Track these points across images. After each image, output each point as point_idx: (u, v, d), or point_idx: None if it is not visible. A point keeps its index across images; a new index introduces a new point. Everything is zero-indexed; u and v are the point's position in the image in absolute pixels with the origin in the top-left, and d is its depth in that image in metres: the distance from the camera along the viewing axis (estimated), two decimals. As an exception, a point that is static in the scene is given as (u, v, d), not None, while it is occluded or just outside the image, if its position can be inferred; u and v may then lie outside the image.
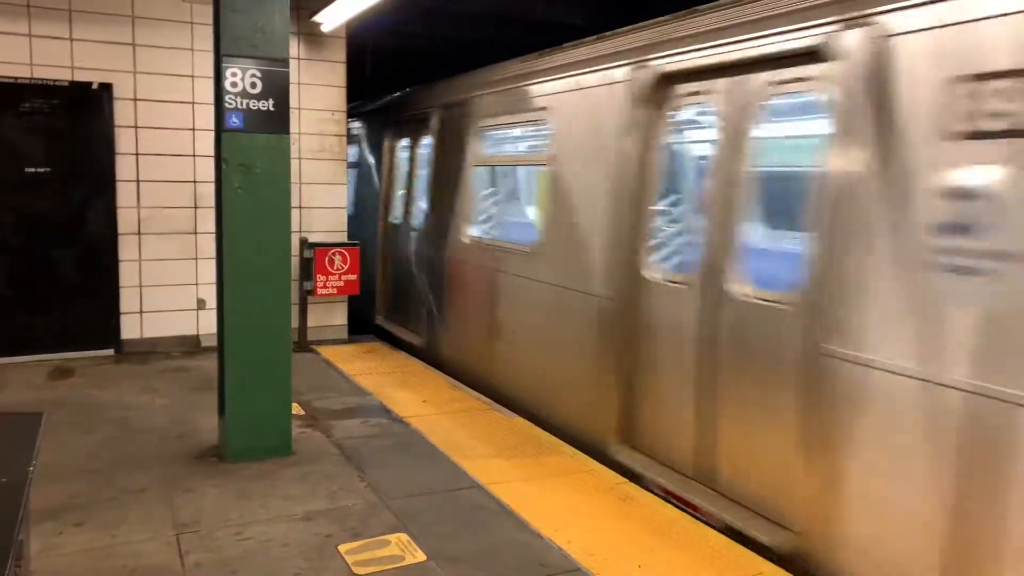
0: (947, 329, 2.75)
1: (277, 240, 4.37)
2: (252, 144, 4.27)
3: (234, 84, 4.24)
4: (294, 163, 6.07)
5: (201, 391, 5.56)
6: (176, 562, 3.22)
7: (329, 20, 6.91)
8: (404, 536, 3.46)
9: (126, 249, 6.64)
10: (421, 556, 3.28)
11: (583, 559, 3.31)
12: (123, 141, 6.58)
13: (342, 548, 3.34)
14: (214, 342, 6.42)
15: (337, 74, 7.42)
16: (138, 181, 6.65)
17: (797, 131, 4.79)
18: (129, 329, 6.70)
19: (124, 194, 6.61)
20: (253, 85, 4.29)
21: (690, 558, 3.37)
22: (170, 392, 5.62)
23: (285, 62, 4.35)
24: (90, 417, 5.01)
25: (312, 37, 7.26)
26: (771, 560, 3.37)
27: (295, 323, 6.81)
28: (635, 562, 3.32)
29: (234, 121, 4.26)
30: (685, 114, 4.37)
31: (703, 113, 4.32)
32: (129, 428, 4.83)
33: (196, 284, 6.88)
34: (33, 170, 6.36)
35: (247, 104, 4.27)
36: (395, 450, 4.57)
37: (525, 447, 4.67)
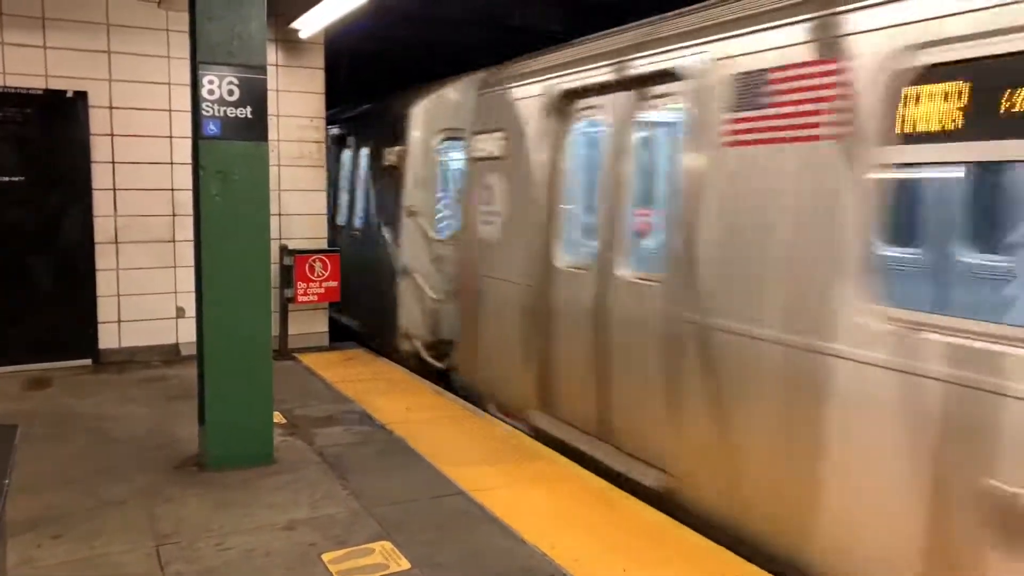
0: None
1: (256, 247, 4.34)
2: (230, 151, 4.25)
3: (211, 91, 4.22)
4: (273, 170, 6.04)
5: (180, 400, 5.51)
6: (157, 573, 3.18)
7: (307, 27, 6.90)
8: (388, 544, 3.44)
9: (103, 258, 6.57)
10: (405, 564, 3.27)
11: (568, 564, 3.32)
12: (99, 149, 6.52)
13: (325, 557, 3.32)
14: (194, 350, 6.38)
15: (316, 80, 7.40)
16: (115, 189, 6.59)
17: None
18: (107, 338, 6.62)
19: (101, 202, 6.54)
20: (230, 92, 4.27)
21: (673, 560, 3.38)
22: (149, 401, 5.56)
23: (263, 69, 4.33)
24: (67, 428, 4.94)
25: (290, 44, 7.24)
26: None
27: (276, 331, 6.77)
28: (620, 566, 3.33)
29: (211, 128, 4.24)
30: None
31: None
32: (107, 438, 4.78)
33: (175, 292, 6.82)
34: (7, 179, 6.28)
35: (224, 111, 4.25)
36: (378, 457, 4.56)
37: (508, 453, 4.67)
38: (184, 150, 6.59)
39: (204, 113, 4.21)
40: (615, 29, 4.89)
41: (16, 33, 6.21)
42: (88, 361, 6.54)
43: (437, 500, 3.95)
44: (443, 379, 6.55)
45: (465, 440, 4.88)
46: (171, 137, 6.73)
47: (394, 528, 3.61)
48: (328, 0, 6.07)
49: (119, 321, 6.66)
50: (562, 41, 5.50)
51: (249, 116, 4.29)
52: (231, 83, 4.26)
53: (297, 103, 7.31)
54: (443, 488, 4.10)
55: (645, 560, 3.38)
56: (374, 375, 6.52)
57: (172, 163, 6.74)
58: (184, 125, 6.53)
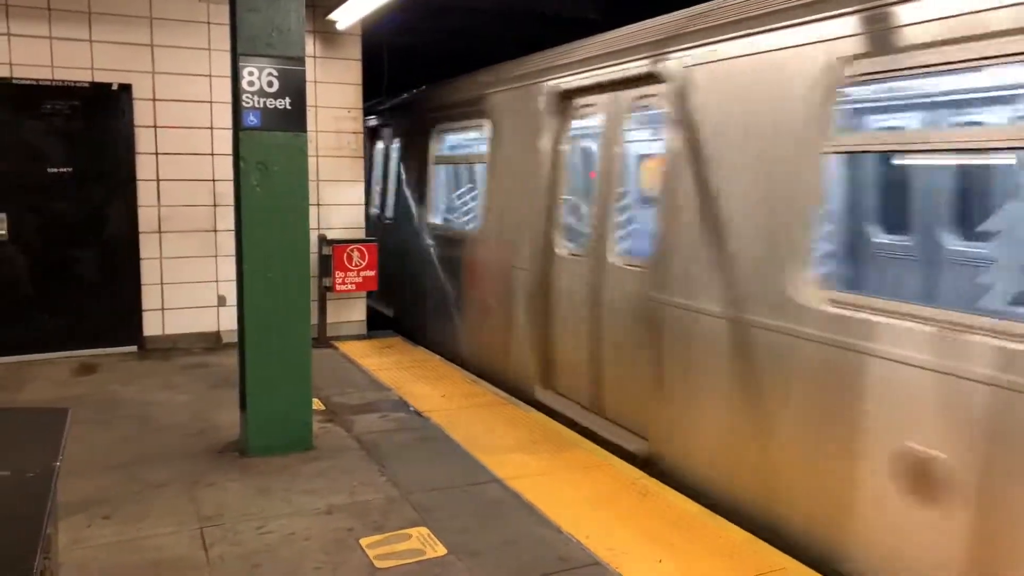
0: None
1: (295, 237, 4.40)
2: (269, 142, 4.31)
3: (251, 83, 4.27)
4: (311, 161, 6.10)
5: (222, 387, 5.63)
6: (200, 555, 3.26)
7: (344, 18, 6.94)
8: (424, 530, 3.48)
9: (147, 247, 6.72)
10: (442, 550, 3.30)
11: (602, 553, 3.32)
12: (143, 141, 6.66)
13: (363, 542, 3.37)
14: (234, 338, 6.49)
15: (353, 72, 7.45)
16: (158, 180, 6.72)
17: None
18: (151, 326, 6.78)
19: (144, 193, 6.68)
20: (270, 84, 4.32)
21: (710, 552, 3.36)
22: (191, 388, 5.68)
23: (301, 60, 4.37)
24: (114, 413, 5.08)
25: (327, 35, 7.29)
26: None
27: (314, 319, 6.86)
28: (655, 556, 3.32)
29: (251, 120, 4.30)
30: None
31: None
32: (152, 424, 4.90)
33: (216, 281, 6.95)
34: (55, 170, 6.45)
35: (264, 103, 4.31)
36: (414, 444, 4.60)
37: (543, 441, 4.68)
38: (225, 141, 6.71)
39: (244, 104, 4.27)
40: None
41: (63, 27, 6.36)
42: (133, 348, 6.71)
43: (473, 487, 3.98)
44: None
45: (500, 428, 4.91)
46: (212, 128, 6.84)
47: (430, 514, 3.64)
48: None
49: (162, 309, 6.82)
50: (601, 30, 5.45)
51: (288, 107, 4.35)
52: (271, 74, 4.31)
53: (335, 94, 7.37)
54: (479, 475, 4.13)
55: (680, 550, 3.37)
56: (411, 363, 6.58)
57: (213, 154, 6.85)
58: (225, 116, 6.65)
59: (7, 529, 1.82)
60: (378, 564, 3.18)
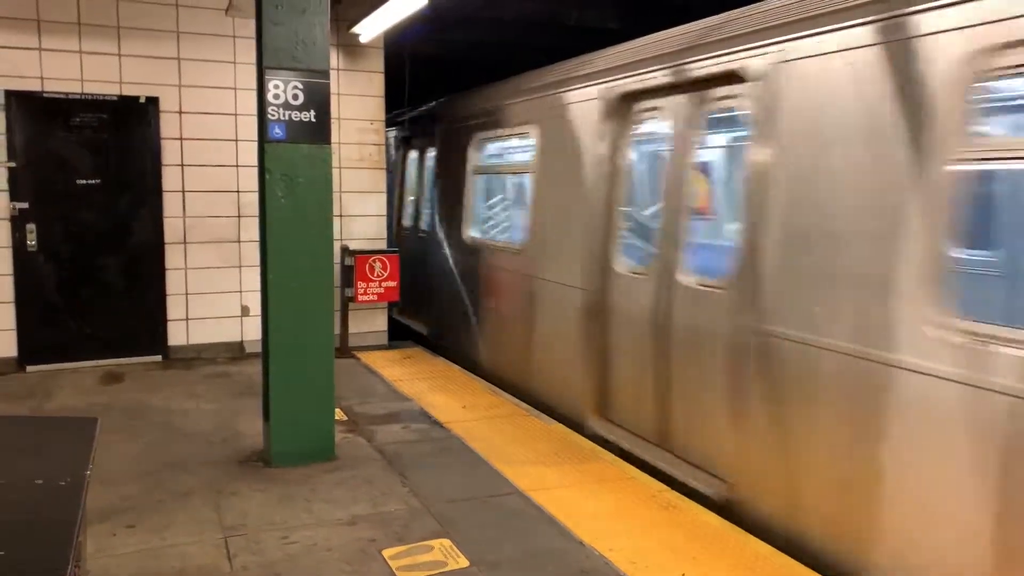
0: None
1: (319, 248, 4.44)
2: (294, 154, 4.35)
3: (276, 96, 4.33)
4: (334, 172, 6.15)
5: (245, 396, 5.67)
6: (224, 564, 3.28)
7: (367, 31, 7.00)
8: (447, 542, 3.48)
9: (172, 258, 6.80)
10: (464, 562, 3.30)
11: (625, 567, 3.30)
12: (169, 153, 6.75)
13: (386, 553, 3.37)
14: (257, 348, 6.54)
15: (375, 84, 7.52)
16: (183, 191, 6.81)
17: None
18: (175, 336, 6.86)
19: (170, 204, 6.78)
20: (295, 96, 4.37)
21: (733, 565, 3.33)
22: (215, 397, 5.73)
23: (326, 73, 4.42)
24: (139, 421, 5.13)
25: (350, 48, 7.37)
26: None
27: (337, 329, 6.90)
28: (678, 570, 3.29)
29: (277, 132, 4.35)
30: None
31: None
32: (176, 432, 4.95)
33: (240, 291, 7.02)
34: (84, 182, 6.56)
35: (289, 115, 4.36)
36: (436, 455, 4.61)
37: (564, 453, 4.67)
38: (249, 153, 6.79)
39: (270, 117, 4.32)
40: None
41: (93, 42, 6.48)
42: (158, 357, 6.79)
43: (495, 499, 3.97)
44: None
45: (521, 439, 4.90)
46: (237, 140, 6.92)
47: (452, 526, 3.64)
48: (387, 5, 6.16)
49: (187, 319, 6.89)
50: (623, 39, 5.44)
51: (313, 119, 4.39)
52: (296, 87, 4.36)
53: (357, 106, 7.44)
54: (500, 487, 4.12)
55: (704, 565, 3.34)
56: (431, 373, 6.59)
57: (238, 165, 6.94)
58: (249, 129, 6.73)
59: (42, 536, 1.84)
60: (400, 575, 3.18)
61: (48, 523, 1.91)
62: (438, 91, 9.19)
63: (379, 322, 7.70)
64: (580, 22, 8.25)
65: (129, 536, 3.51)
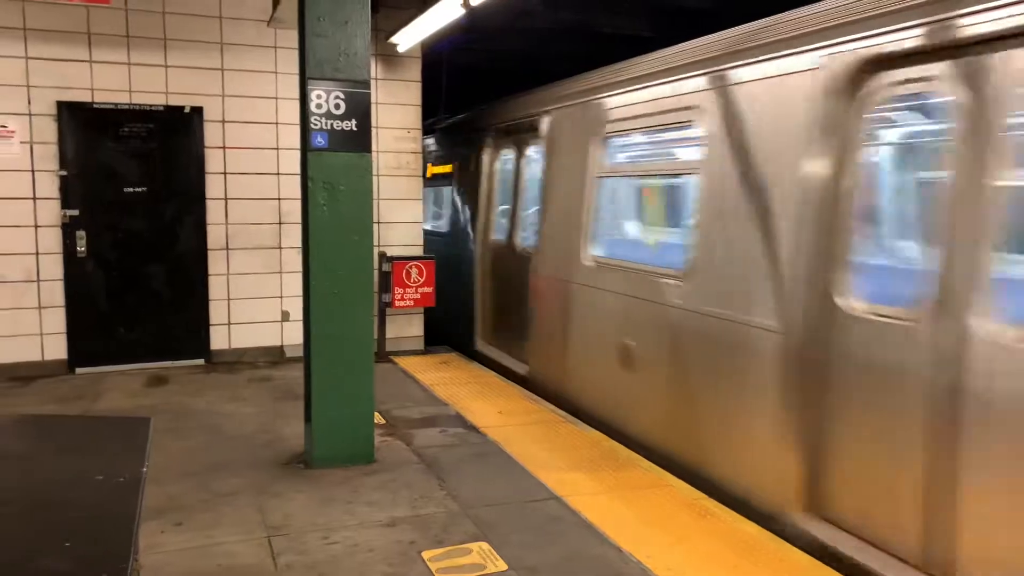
0: None
1: (360, 254, 4.52)
2: (336, 162, 4.45)
3: (319, 105, 4.43)
4: (373, 180, 6.26)
5: (286, 400, 5.78)
6: (269, 563, 3.36)
7: (404, 41, 7.11)
8: (485, 545, 3.52)
9: (215, 264, 6.96)
10: (502, 565, 3.33)
11: (662, 573, 3.31)
12: (212, 161, 6.92)
13: (425, 555, 3.42)
14: (297, 352, 6.68)
15: (412, 93, 7.62)
16: (226, 199, 6.97)
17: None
18: (218, 340, 7.02)
19: (213, 211, 6.94)
20: (337, 106, 4.47)
21: (773, 574, 3.31)
22: (257, 400, 5.85)
23: (366, 83, 4.51)
24: (184, 423, 5.26)
25: (388, 57, 7.48)
26: None
27: (374, 334, 7.00)
28: (716, 577, 3.28)
29: (319, 141, 4.45)
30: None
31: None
32: (220, 434, 5.06)
33: (280, 297, 7.15)
34: (131, 190, 6.76)
35: (331, 124, 4.45)
36: (473, 460, 4.65)
37: (601, 460, 4.68)
38: (290, 161, 6.93)
39: (312, 126, 4.42)
40: None
41: (141, 54, 6.67)
42: (201, 361, 6.95)
43: (531, 504, 4.00)
44: None
45: (558, 445, 4.92)
46: (278, 149, 7.07)
47: (490, 530, 3.68)
48: (424, 16, 6.26)
49: (229, 324, 7.05)
50: (655, 47, 5.40)
51: (354, 128, 4.48)
52: (337, 97, 4.46)
53: (395, 115, 7.54)
54: (537, 492, 4.15)
55: (742, 572, 3.33)
56: (467, 379, 6.64)
57: (279, 174, 7.08)
58: (290, 137, 6.88)
59: (105, 530, 1.92)
60: (440, 577, 3.23)
61: (110, 518, 1.99)
62: (471, 100, 9.28)
63: (415, 327, 7.78)
64: (615, 30, 8.29)
65: (178, 534, 3.61)
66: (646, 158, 5.91)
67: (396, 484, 4.24)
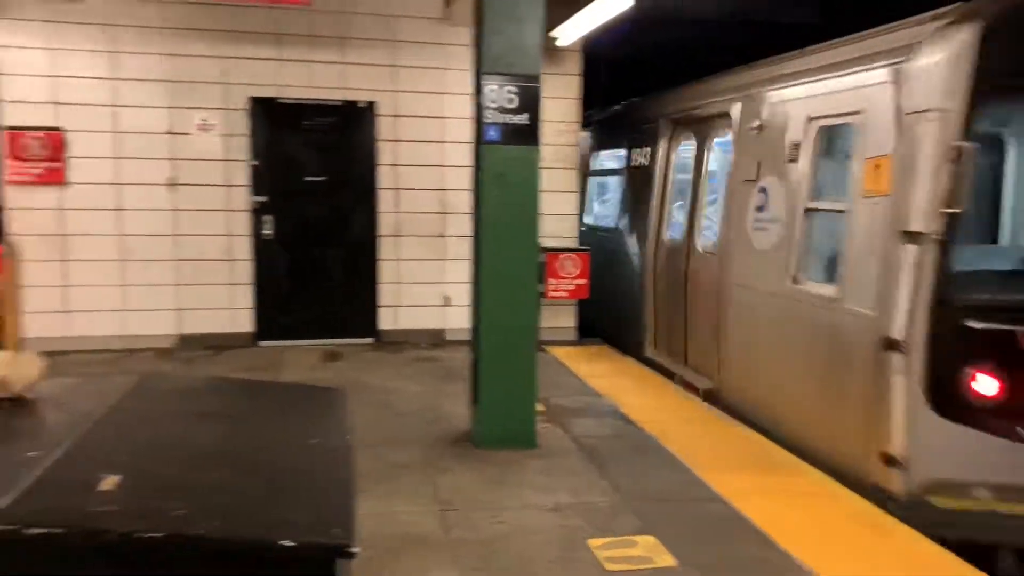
0: None
1: (527, 244, 4.66)
2: (507, 155, 4.59)
3: (492, 100, 4.58)
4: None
5: (449, 380, 6.05)
6: (441, 535, 3.56)
7: (565, 35, 7.18)
8: (651, 539, 3.54)
9: (384, 250, 7.38)
10: (671, 560, 3.34)
11: (838, 583, 3.21)
12: (384, 153, 7.32)
13: (591, 542, 3.49)
14: (457, 336, 6.93)
15: (572, 86, 7.69)
16: (396, 189, 7.36)
17: None
18: (385, 321, 7.44)
19: (384, 200, 7.35)
20: (509, 100, 4.60)
21: (961, 596, 3.13)
22: (422, 380, 6.17)
23: (537, 78, 4.63)
24: (358, 398, 5.55)
25: (548, 51, 7.54)
26: None
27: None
28: (896, 592, 3.14)
29: (492, 134, 4.61)
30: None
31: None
32: (390, 410, 5.39)
33: (442, 283, 7.47)
34: (311, 179, 7.28)
35: (504, 118, 4.60)
36: (632, 452, 4.68)
37: (763, 463, 4.57)
38: (455, 154, 7.19)
39: (486, 120, 4.58)
40: None
41: (322, 52, 7.15)
42: (370, 340, 7.40)
43: (695, 502, 3.98)
44: None
45: (716, 444, 4.85)
46: (443, 142, 7.36)
47: (655, 524, 3.69)
48: (587, 9, 6.29)
49: (395, 306, 7.46)
50: (822, 36, 5.13)
51: (526, 122, 4.61)
52: (510, 91, 4.59)
53: (554, 108, 7.60)
54: (699, 491, 4.13)
55: (927, 592, 3.17)
56: (620, 371, 6.67)
57: (443, 166, 7.38)
58: (456, 131, 7.12)
59: (332, 491, 2.13)
60: (608, 567, 3.29)
61: (334, 479, 2.20)
62: (623, 94, 9.22)
63: (568, 318, 7.87)
64: (778, 19, 7.97)
65: (362, 501, 3.87)
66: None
67: (559, 470, 4.34)
